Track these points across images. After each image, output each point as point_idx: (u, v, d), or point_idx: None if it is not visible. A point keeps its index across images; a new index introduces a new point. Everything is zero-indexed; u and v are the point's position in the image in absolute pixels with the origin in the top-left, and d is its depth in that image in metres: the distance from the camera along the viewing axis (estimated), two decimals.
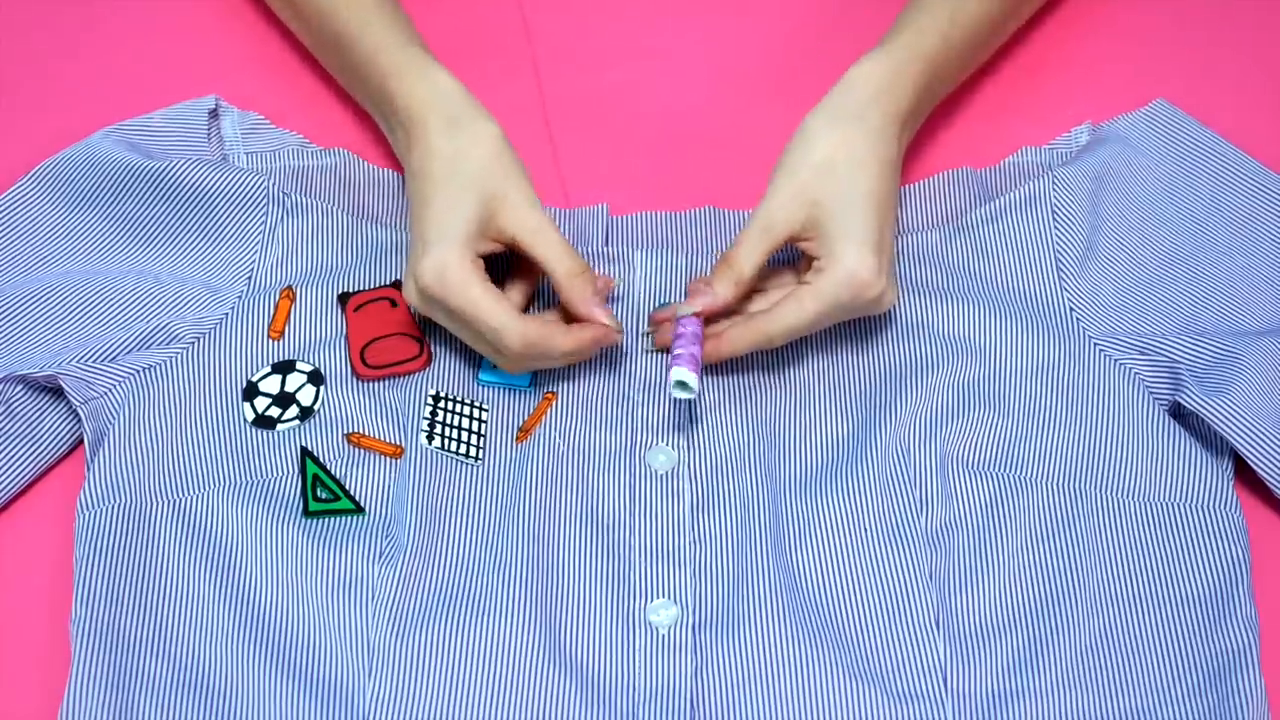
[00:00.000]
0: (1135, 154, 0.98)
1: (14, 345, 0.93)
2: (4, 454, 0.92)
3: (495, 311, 0.87)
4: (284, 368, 0.93)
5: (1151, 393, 0.91)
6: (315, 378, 0.92)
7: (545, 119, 1.05)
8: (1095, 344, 0.92)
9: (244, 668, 0.84)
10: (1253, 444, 0.88)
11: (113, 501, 0.89)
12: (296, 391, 0.92)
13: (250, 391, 0.92)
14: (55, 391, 0.93)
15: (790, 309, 0.89)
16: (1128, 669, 0.84)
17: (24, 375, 0.91)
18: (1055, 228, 0.95)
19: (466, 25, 1.08)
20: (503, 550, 0.87)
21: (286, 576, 0.86)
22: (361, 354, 0.93)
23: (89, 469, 0.90)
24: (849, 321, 0.93)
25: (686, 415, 0.92)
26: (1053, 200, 0.96)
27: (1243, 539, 0.87)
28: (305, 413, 0.91)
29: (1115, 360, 0.92)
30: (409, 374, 0.93)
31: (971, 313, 0.94)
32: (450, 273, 0.87)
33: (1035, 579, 0.86)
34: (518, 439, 0.91)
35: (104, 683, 0.84)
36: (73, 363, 0.92)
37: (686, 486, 0.89)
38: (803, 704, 0.83)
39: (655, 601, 0.86)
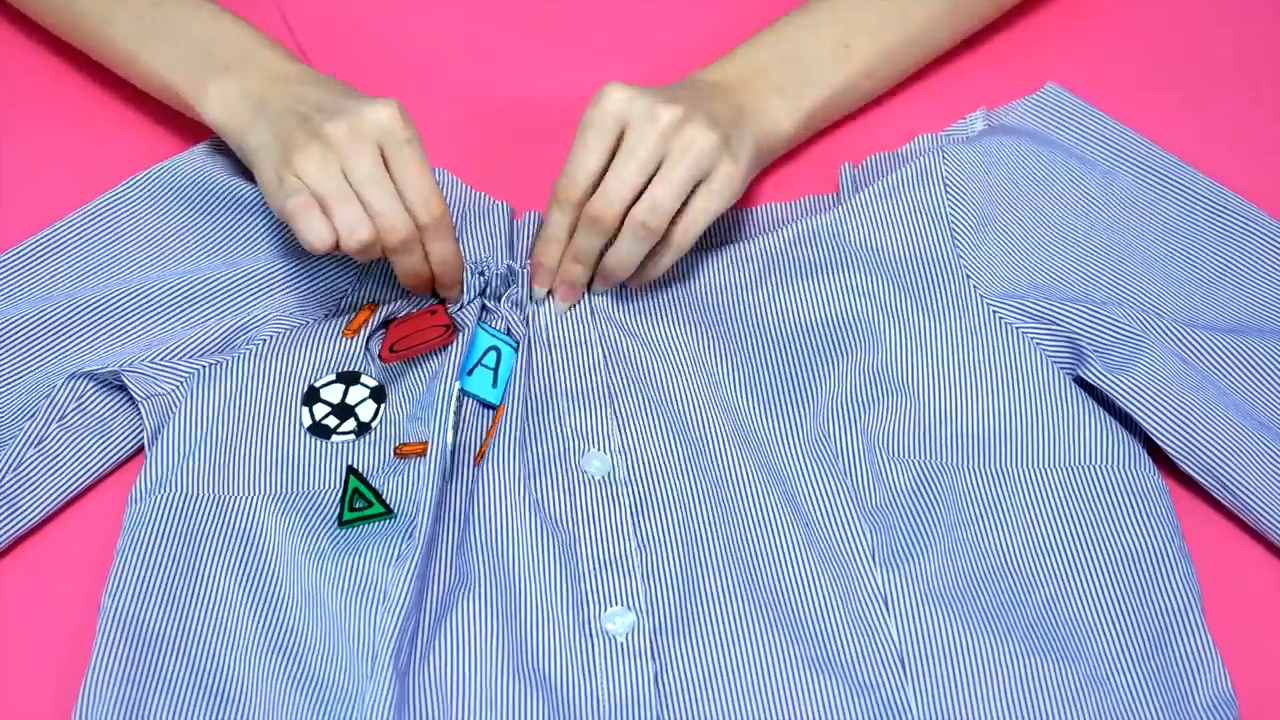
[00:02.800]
0: (1028, 134, 0.99)
1: (99, 343, 0.92)
2: (74, 448, 0.90)
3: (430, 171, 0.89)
4: (348, 378, 0.91)
5: (1055, 363, 0.93)
6: (378, 394, 0.91)
7: (545, 118, 1.05)
8: (994, 311, 0.94)
9: (261, 678, 0.84)
10: (1158, 419, 0.90)
11: (162, 494, 0.88)
12: (357, 405, 0.90)
13: (311, 396, 0.90)
14: (125, 388, 0.91)
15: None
16: (1076, 637, 0.85)
17: (92, 371, 0.90)
18: (948, 198, 0.97)
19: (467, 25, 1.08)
20: (468, 565, 0.87)
21: (315, 592, 0.85)
22: (390, 347, 0.91)
23: (146, 460, 0.89)
24: (752, 310, 0.95)
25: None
26: (944, 172, 0.97)
27: (1165, 498, 0.89)
28: (363, 429, 0.90)
29: (1016, 329, 0.93)
30: (430, 351, 0.92)
31: (871, 294, 0.95)
32: (407, 117, 0.89)
33: (972, 559, 0.87)
34: (475, 461, 0.91)
35: (120, 677, 0.83)
36: (147, 361, 0.91)
37: (624, 491, 0.90)
38: (767, 701, 0.84)
39: (610, 610, 0.86)
